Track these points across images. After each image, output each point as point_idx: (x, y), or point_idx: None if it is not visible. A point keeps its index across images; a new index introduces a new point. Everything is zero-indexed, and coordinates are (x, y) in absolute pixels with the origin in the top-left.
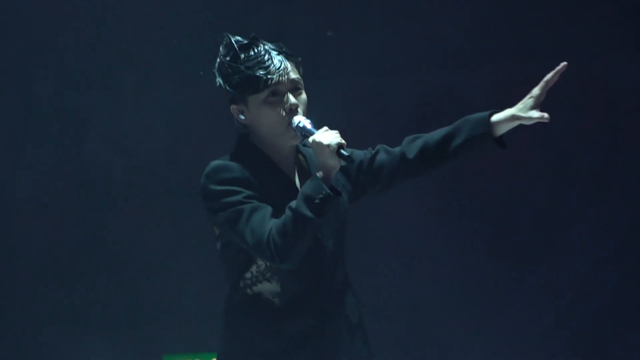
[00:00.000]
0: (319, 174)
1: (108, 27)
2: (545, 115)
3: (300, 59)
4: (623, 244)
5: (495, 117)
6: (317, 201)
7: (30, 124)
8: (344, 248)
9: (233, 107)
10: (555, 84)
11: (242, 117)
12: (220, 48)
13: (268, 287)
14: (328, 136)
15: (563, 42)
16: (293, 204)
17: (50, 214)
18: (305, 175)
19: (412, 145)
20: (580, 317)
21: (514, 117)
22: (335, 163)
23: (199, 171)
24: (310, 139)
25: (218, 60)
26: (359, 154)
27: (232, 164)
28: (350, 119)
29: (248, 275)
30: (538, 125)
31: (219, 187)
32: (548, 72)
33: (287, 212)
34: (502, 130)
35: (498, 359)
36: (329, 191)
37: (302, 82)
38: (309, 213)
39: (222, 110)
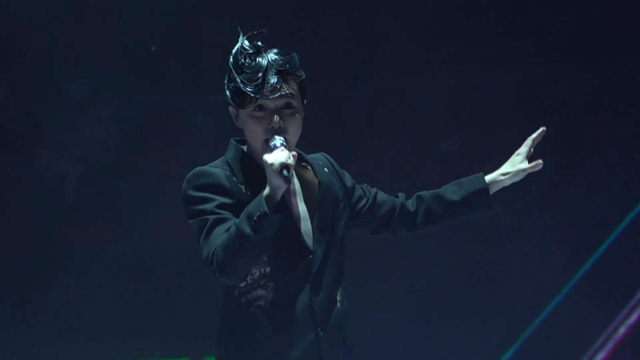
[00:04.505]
0: (265, 192)
1: (61, 35)
2: (539, 161)
3: (304, 75)
4: (577, 247)
5: (488, 177)
6: (255, 218)
7: None
8: (339, 264)
9: (231, 109)
10: (508, 90)
11: (237, 121)
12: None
13: (262, 295)
14: (276, 156)
15: (515, 50)
16: (238, 219)
17: (1, 222)
18: (307, 184)
19: (410, 201)
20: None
21: (503, 174)
22: (278, 182)
23: (149, 180)
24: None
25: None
26: (359, 187)
27: (214, 170)
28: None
29: (242, 283)
30: (492, 131)
31: (194, 194)
32: (501, 80)
33: (232, 227)
34: (493, 189)
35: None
36: (267, 209)
37: (297, 100)
38: (247, 229)
39: (174, 119)
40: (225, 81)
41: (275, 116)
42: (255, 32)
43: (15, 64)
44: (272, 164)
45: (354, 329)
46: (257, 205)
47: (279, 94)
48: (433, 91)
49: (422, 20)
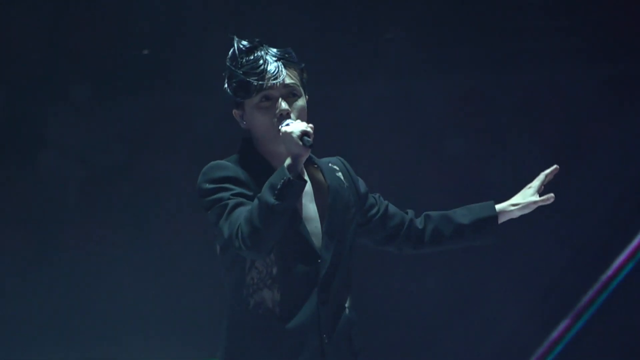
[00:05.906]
0: (286, 162)
1: (62, 37)
2: (551, 195)
3: (303, 65)
4: (581, 250)
5: (498, 206)
6: (279, 187)
7: None
8: (348, 271)
9: (235, 111)
10: (511, 92)
11: (242, 121)
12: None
13: (269, 295)
14: (294, 125)
15: (517, 53)
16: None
17: (3, 224)
18: (318, 186)
19: (418, 219)
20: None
21: (514, 205)
22: (299, 150)
23: (152, 182)
24: (280, 130)
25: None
26: (371, 196)
27: (228, 163)
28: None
29: (249, 281)
30: (494, 134)
31: (210, 186)
32: (503, 83)
33: (254, 201)
34: (502, 219)
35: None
36: (290, 176)
37: (300, 88)
38: (271, 199)
39: (177, 121)
40: (226, 83)
41: (282, 101)
42: (248, 39)
43: (17, 65)
44: (291, 132)
45: (362, 335)
46: (280, 175)
47: (281, 79)
48: (435, 94)
49: (425, 22)
